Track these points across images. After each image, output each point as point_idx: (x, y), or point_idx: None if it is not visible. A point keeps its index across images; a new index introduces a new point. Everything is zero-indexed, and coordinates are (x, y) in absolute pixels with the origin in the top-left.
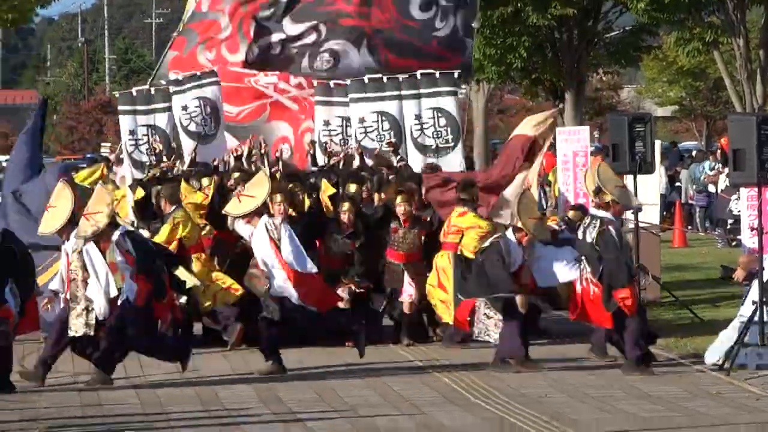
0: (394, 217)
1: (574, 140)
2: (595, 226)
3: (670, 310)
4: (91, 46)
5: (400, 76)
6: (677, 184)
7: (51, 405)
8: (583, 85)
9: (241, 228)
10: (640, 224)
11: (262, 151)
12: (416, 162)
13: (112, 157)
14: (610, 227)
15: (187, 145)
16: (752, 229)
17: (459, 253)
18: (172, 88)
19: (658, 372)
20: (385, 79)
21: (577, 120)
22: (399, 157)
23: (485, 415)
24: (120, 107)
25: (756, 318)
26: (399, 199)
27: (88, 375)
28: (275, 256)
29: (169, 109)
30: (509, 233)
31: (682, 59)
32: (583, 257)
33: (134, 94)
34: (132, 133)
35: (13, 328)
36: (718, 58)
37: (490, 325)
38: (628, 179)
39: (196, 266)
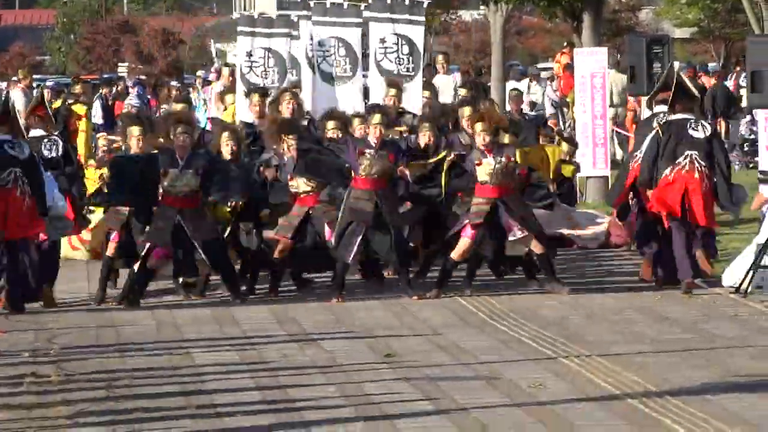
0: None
1: (592, 61)
2: (704, 126)
3: None
4: None
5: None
6: None
7: (64, 326)
8: (601, 6)
9: None
10: None
11: None
12: (377, 85)
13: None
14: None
15: (307, 78)
16: None
17: None
18: (297, 13)
19: (675, 294)
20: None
21: (595, 41)
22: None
23: (501, 337)
24: (239, 28)
25: None
26: (480, 127)
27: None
28: None
29: (288, 35)
30: None
31: None
32: (695, 152)
33: (256, 17)
34: (249, 54)
35: None
36: None
37: None
38: (644, 101)
39: None
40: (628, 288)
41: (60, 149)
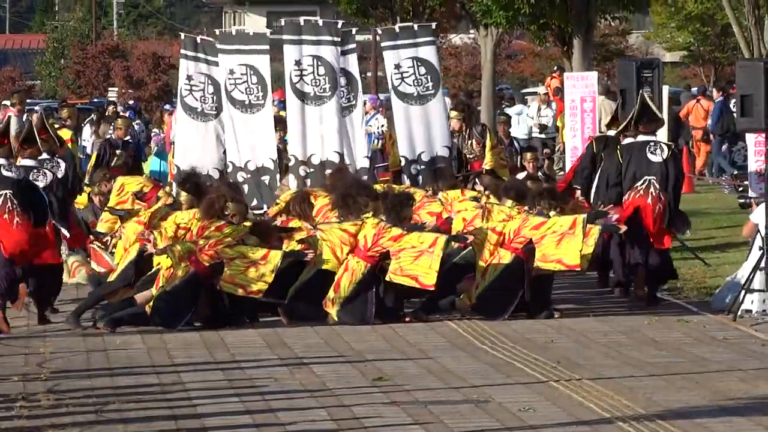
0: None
1: (582, 86)
2: (662, 149)
3: (677, 255)
4: None
5: (379, 29)
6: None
7: (56, 350)
8: (591, 31)
9: None
10: None
11: None
12: (398, 110)
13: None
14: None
15: (232, 111)
16: (759, 174)
17: None
18: (218, 46)
19: (664, 317)
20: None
21: (585, 65)
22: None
23: (491, 360)
24: (182, 51)
25: (762, 264)
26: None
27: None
28: None
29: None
30: None
31: (690, 4)
32: (653, 177)
33: (198, 41)
34: (189, 78)
35: None
36: (726, 4)
37: None
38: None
39: None
40: (618, 312)
41: (63, 169)
